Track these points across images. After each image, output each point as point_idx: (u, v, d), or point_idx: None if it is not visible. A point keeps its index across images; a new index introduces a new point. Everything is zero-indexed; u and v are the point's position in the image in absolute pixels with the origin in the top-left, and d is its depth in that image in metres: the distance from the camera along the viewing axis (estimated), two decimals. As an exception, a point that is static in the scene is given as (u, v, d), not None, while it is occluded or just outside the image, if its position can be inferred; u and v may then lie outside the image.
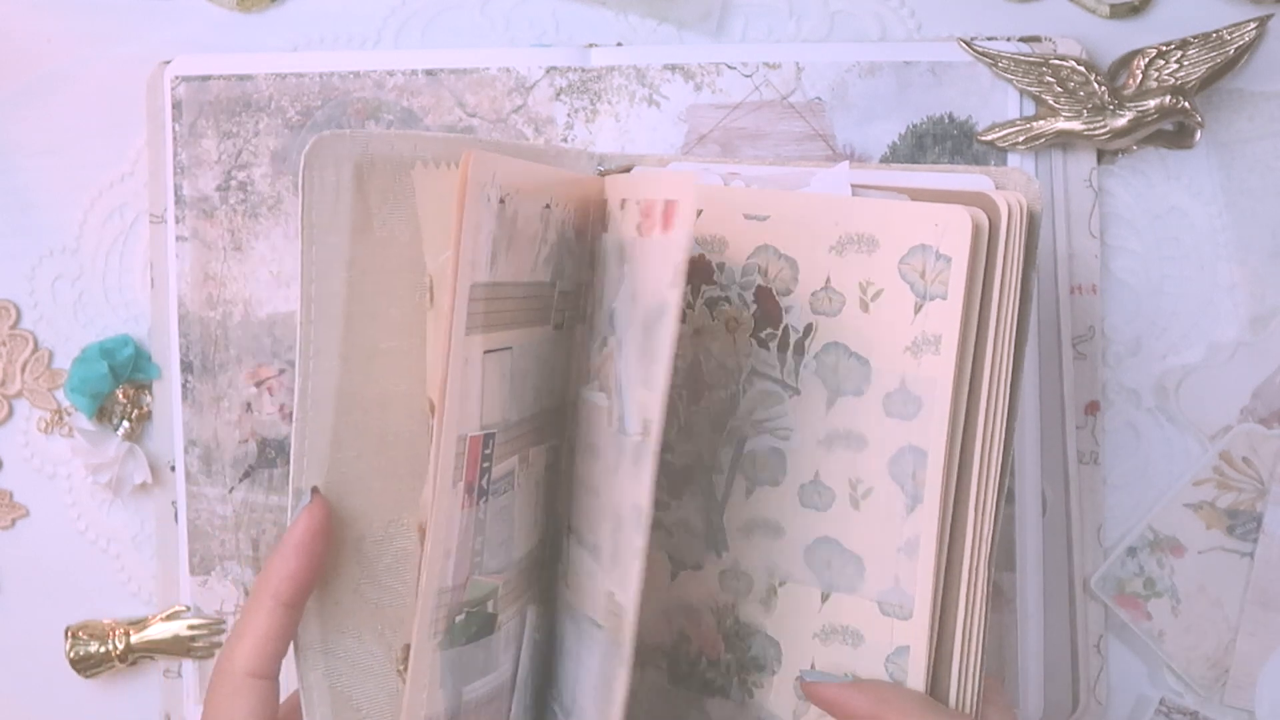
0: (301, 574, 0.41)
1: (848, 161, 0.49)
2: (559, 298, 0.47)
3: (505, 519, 0.43)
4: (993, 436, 0.43)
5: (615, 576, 0.41)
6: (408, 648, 0.41)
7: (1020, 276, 0.42)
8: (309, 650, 0.42)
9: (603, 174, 0.52)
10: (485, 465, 0.42)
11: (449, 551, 0.40)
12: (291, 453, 0.42)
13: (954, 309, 0.42)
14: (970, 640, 0.43)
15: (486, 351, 0.41)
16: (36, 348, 0.61)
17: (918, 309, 0.43)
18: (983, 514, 0.43)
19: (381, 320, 0.42)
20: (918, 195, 0.44)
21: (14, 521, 0.61)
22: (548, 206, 0.44)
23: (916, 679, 0.43)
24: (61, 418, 0.61)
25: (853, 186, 0.47)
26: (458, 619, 0.42)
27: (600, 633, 0.42)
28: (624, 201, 0.43)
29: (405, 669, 0.41)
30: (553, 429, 0.48)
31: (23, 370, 0.61)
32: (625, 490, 0.40)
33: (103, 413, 0.60)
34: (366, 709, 0.42)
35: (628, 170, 0.52)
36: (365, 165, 0.41)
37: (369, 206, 0.41)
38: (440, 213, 0.40)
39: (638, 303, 0.41)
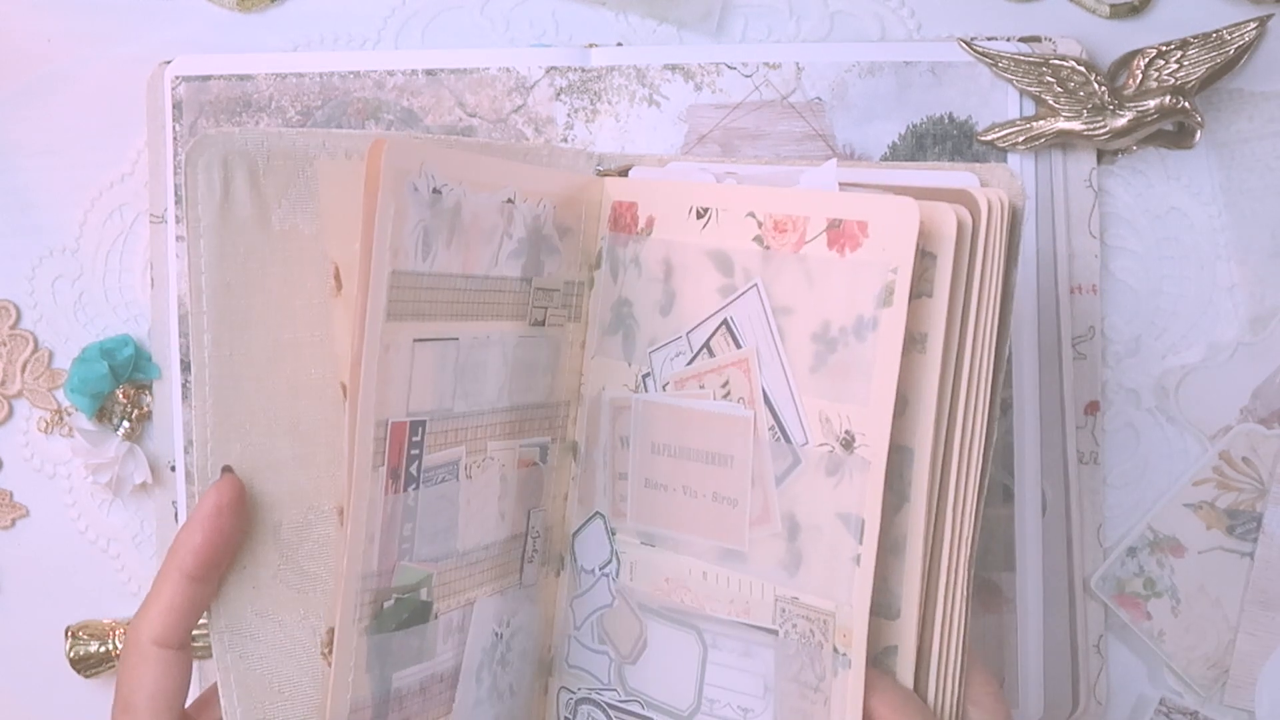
0: (206, 548, 0.41)
1: (835, 159, 0.49)
2: (536, 294, 0.47)
3: (445, 508, 0.44)
4: (973, 435, 0.43)
5: (802, 581, 0.43)
6: (333, 632, 0.42)
7: (1002, 274, 0.42)
8: (225, 633, 0.43)
9: (601, 174, 0.52)
10: (414, 452, 0.43)
11: (372, 535, 0.41)
12: (194, 438, 0.43)
13: (940, 307, 0.42)
14: (949, 641, 0.43)
15: (418, 340, 0.42)
16: (36, 348, 0.61)
17: None
18: (962, 513, 0.43)
19: (286, 311, 0.43)
20: (903, 193, 0.44)
21: (14, 521, 0.61)
22: (509, 201, 0.44)
23: (905, 679, 0.43)
24: (61, 418, 0.61)
25: (840, 184, 0.47)
26: (386, 604, 0.43)
27: (770, 637, 0.44)
28: (709, 210, 0.45)
29: (330, 653, 0.42)
30: (537, 426, 0.48)
31: (23, 370, 0.61)
32: (809, 498, 0.42)
33: (103, 413, 0.60)
34: (289, 692, 0.43)
35: (626, 170, 0.52)
36: (260, 161, 0.42)
37: (266, 201, 0.43)
38: (352, 204, 0.41)
39: (797, 316, 0.43)
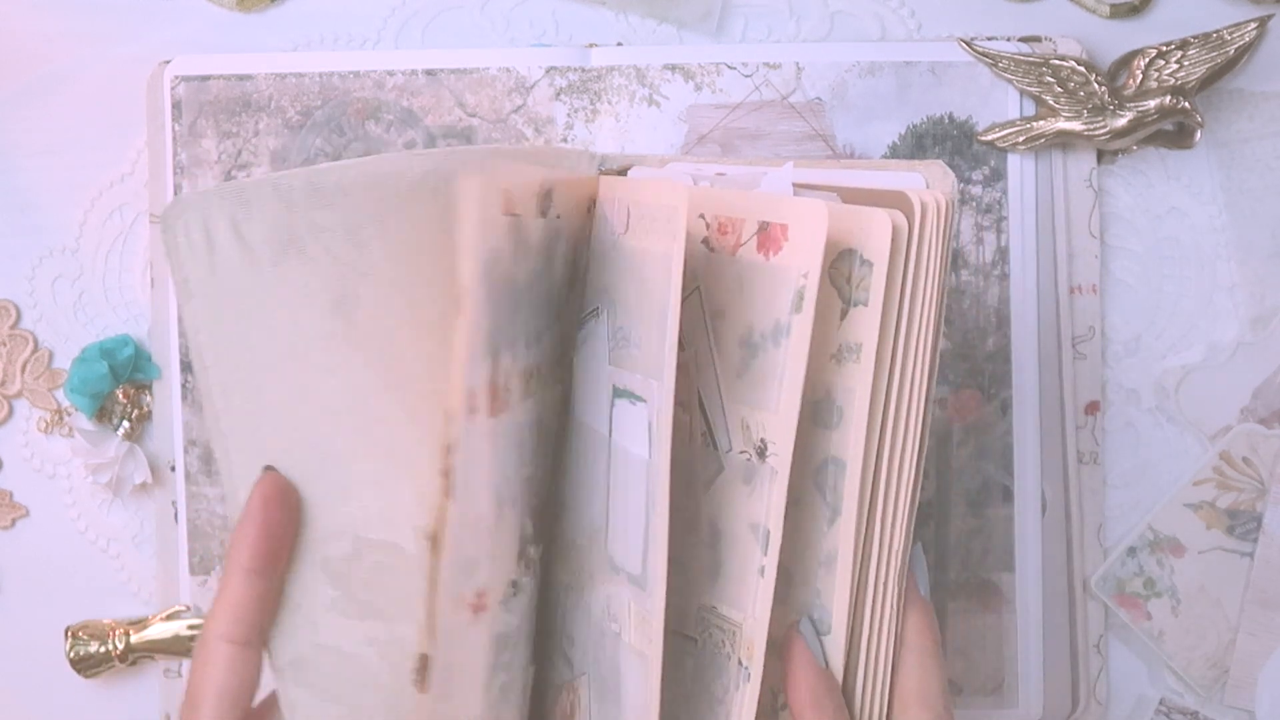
0: (261, 541, 0.42)
1: (792, 161, 0.48)
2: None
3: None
4: (906, 445, 0.42)
5: (719, 591, 0.42)
6: (424, 658, 0.41)
7: (939, 278, 0.41)
8: (287, 669, 0.42)
9: (602, 174, 0.51)
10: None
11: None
12: (224, 492, 0.43)
13: (874, 316, 0.40)
14: (876, 656, 0.42)
15: None
16: (36, 348, 0.61)
17: (843, 315, 0.42)
18: (893, 525, 0.42)
19: (297, 351, 0.42)
20: (850, 196, 0.44)
21: (14, 521, 0.61)
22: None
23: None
24: (61, 418, 0.61)
25: (795, 186, 0.46)
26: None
27: (689, 644, 0.43)
28: (674, 211, 0.42)
29: (422, 678, 0.41)
30: None
31: (23, 370, 0.61)
32: (729, 505, 0.41)
33: (103, 413, 0.60)
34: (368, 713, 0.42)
35: (625, 171, 0.52)
36: (239, 211, 0.41)
37: (253, 248, 0.41)
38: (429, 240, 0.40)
39: (728, 320, 0.41)
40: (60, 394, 0.61)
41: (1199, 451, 0.58)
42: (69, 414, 0.61)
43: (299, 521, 0.43)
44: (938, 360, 0.43)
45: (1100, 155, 0.58)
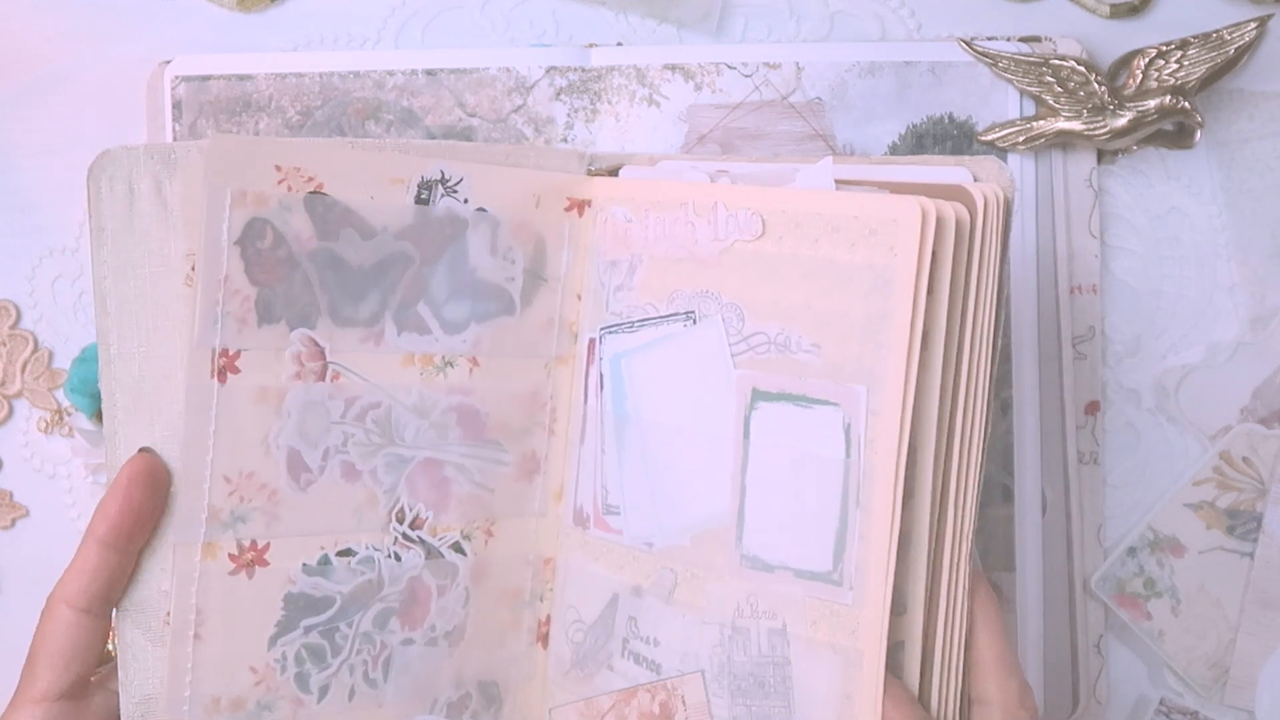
0: (117, 516, 0.45)
1: (830, 156, 0.49)
2: None
3: None
4: (974, 429, 0.44)
5: None
6: (196, 609, 0.47)
7: (998, 268, 0.43)
8: (130, 611, 0.47)
9: (592, 174, 0.52)
10: None
11: None
12: (105, 432, 0.47)
13: (940, 304, 0.42)
14: (953, 636, 0.44)
15: None
16: (36, 348, 0.61)
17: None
18: (964, 507, 0.44)
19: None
20: (898, 189, 0.45)
21: (14, 521, 0.61)
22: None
23: (911, 675, 0.43)
24: (61, 418, 0.61)
25: (836, 182, 0.47)
26: None
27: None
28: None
29: (197, 630, 0.47)
30: None
31: (23, 370, 0.61)
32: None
33: (102, 413, 0.60)
34: None
35: (616, 170, 0.53)
36: (164, 172, 0.47)
37: (170, 207, 0.47)
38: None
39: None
40: (60, 394, 0.61)
41: (1199, 451, 0.58)
42: (69, 414, 0.61)
43: (165, 504, 0.46)
44: (999, 347, 0.45)
45: (1100, 155, 0.58)
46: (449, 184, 0.50)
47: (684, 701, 0.48)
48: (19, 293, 0.61)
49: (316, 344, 0.48)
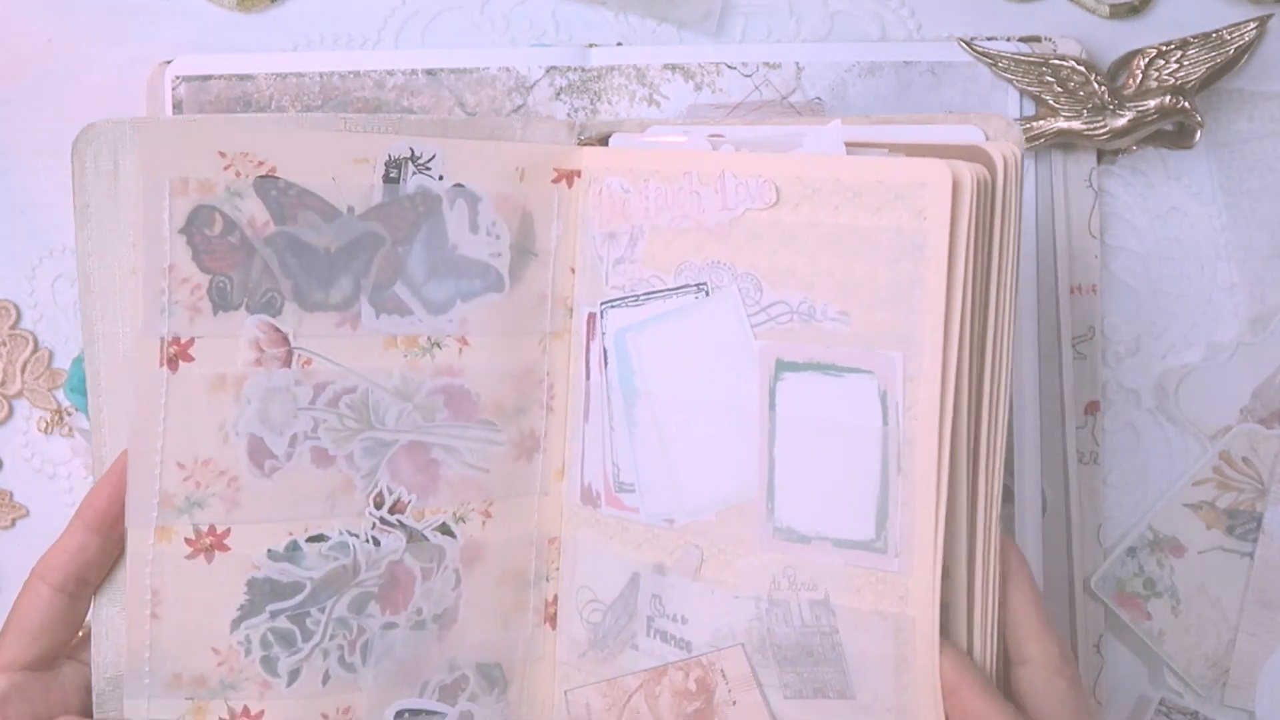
0: (104, 503, 0.46)
1: (839, 119, 0.48)
2: None
3: None
4: (1000, 389, 0.44)
5: None
6: (151, 589, 0.48)
7: (1019, 227, 0.43)
8: (106, 588, 0.48)
9: (583, 143, 0.52)
10: None
11: None
12: (90, 419, 0.48)
13: (967, 266, 0.43)
14: (987, 594, 0.45)
15: None
16: (36, 348, 0.61)
17: None
18: (993, 470, 0.44)
19: None
20: (911, 152, 0.45)
21: (14, 521, 0.61)
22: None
23: (959, 637, 0.44)
24: (61, 418, 0.61)
25: (846, 145, 0.47)
26: None
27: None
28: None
29: (152, 610, 0.48)
30: None
31: (23, 370, 0.61)
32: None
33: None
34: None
35: (606, 139, 0.52)
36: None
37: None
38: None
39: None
40: (60, 394, 0.61)
41: (1199, 451, 0.58)
42: (69, 414, 0.61)
43: None
44: (1018, 307, 0.45)
45: (1100, 155, 0.58)
46: (420, 161, 0.49)
47: (724, 675, 0.48)
48: (19, 293, 0.61)
49: (278, 330, 0.48)
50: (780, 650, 0.46)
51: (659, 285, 0.49)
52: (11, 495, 0.61)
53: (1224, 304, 0.58)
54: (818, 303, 0.45)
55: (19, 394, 0.61)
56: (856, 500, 0.44)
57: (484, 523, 0.51)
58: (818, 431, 0.45)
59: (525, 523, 0.52)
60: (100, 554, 0.47)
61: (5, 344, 0.61)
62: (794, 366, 0.46)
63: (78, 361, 0.60)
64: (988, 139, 0.46)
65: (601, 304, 0.50)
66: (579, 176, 0.51)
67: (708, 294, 0.47)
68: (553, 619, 0.52)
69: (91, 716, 0.47)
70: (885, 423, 0.44)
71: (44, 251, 0.61)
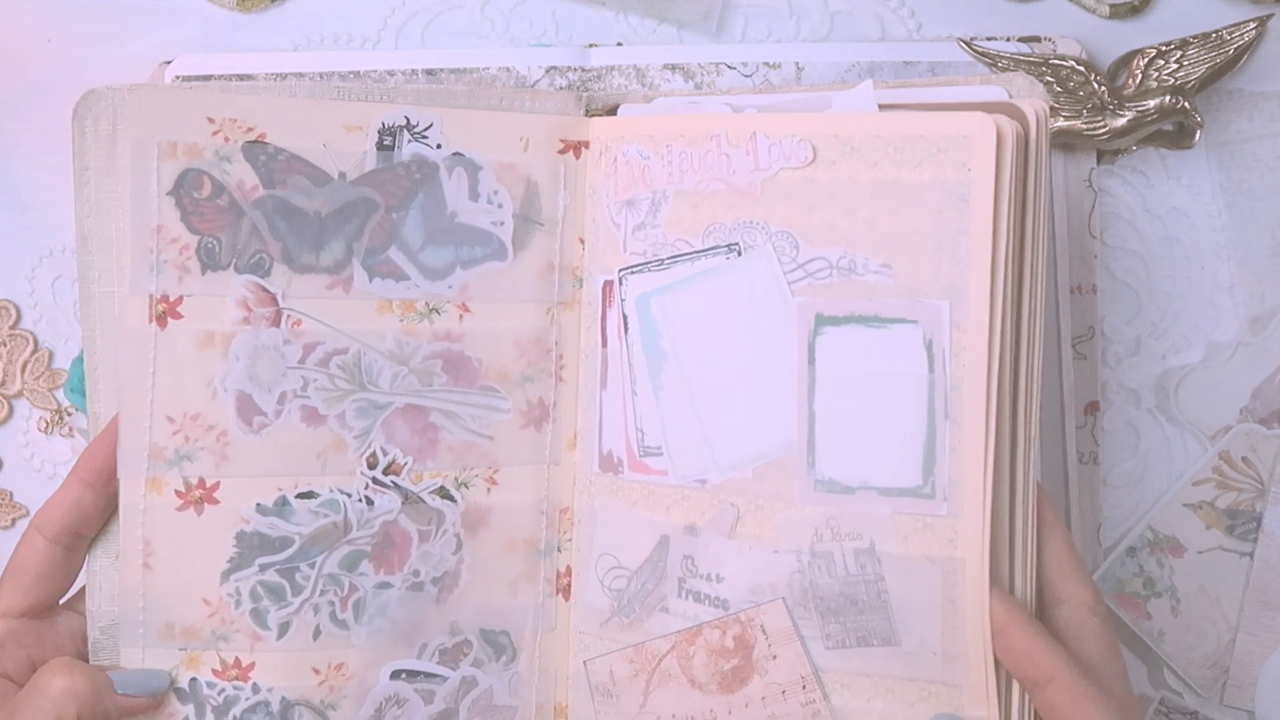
0: (101, 460, 0.48)
1: (870, 80, 0.50)
2: None
3: None
4: (1036, 334, 0.46)
5: None
6: (145, 540, 0.50)
7: (1049, 178, 0.46)
8: (101, 539, 0.49)
9: (590, 114, 0.53)
10: None
11: None
12: (86, 381, 0.49)
13: (1008, 215, 0.45)
14: (1028, 541, 0.46)
15: None
16: (36, 348, 0.61)
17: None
18: (1030, 411, 0.46)
19: None
20: (942, 110, 0.47)
21: (14, 521, 0.61)
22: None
23: (1003, 578, 0.45)
24: (61, 418, 0.61)
25: (879, 106, 0.48)
26: None
27: None
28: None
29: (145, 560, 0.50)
30: None
31: (23, 370, 0.61)
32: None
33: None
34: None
35: (614, 109, 0.54)
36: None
37: None
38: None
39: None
40: (60, 394, 0.61)
41: (1199, 451, 0.58)
42: (69, 414, 0.61)
43: None
44: (1053, 255, 0.48)
45: (1100, 155, 0.58)
46: (416, 129, 0.51)
47: (764, 630, 0.48)
48: (19, 293, 0.61)
49: (266, 290, 0.49)
50: (823, 602, 0.47)
51: (685, 248, 0.49)
52: (11, 495, 0.61)
53: (1224, 304, 0.58)
54: (858, 257, 0.47)
55: (19, 394, 0.61)
56: (902, 448, 0.46)
57: (489, 489, 0.52)
58: (860, 383, 0.46)
59: (534, 491, 0.52)
60: (95, 509, 0.48)
61: (5, 344, 0.61)
62: (834, 320, 0.47)
63: (78, 361, 0.60)
64: (1011, 98, 0.48)
65: (620, 271, 0.51)
66: (587, 147, 0.52)
67: (739, 254, 0.49)
68: (566, 590, 0.52)
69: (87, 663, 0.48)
70: (931, 370, 0.45)
71: (44, 251, 0.61)
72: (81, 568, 0.49)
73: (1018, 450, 0.46)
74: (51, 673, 0.45)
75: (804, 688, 0.48)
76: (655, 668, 0.50)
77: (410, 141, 0.50)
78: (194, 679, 0.50)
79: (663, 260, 0.50)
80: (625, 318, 0.51)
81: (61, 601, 0.49)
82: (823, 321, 0.47)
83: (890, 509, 0.46)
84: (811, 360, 0.47)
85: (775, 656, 0.48)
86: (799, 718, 0.48)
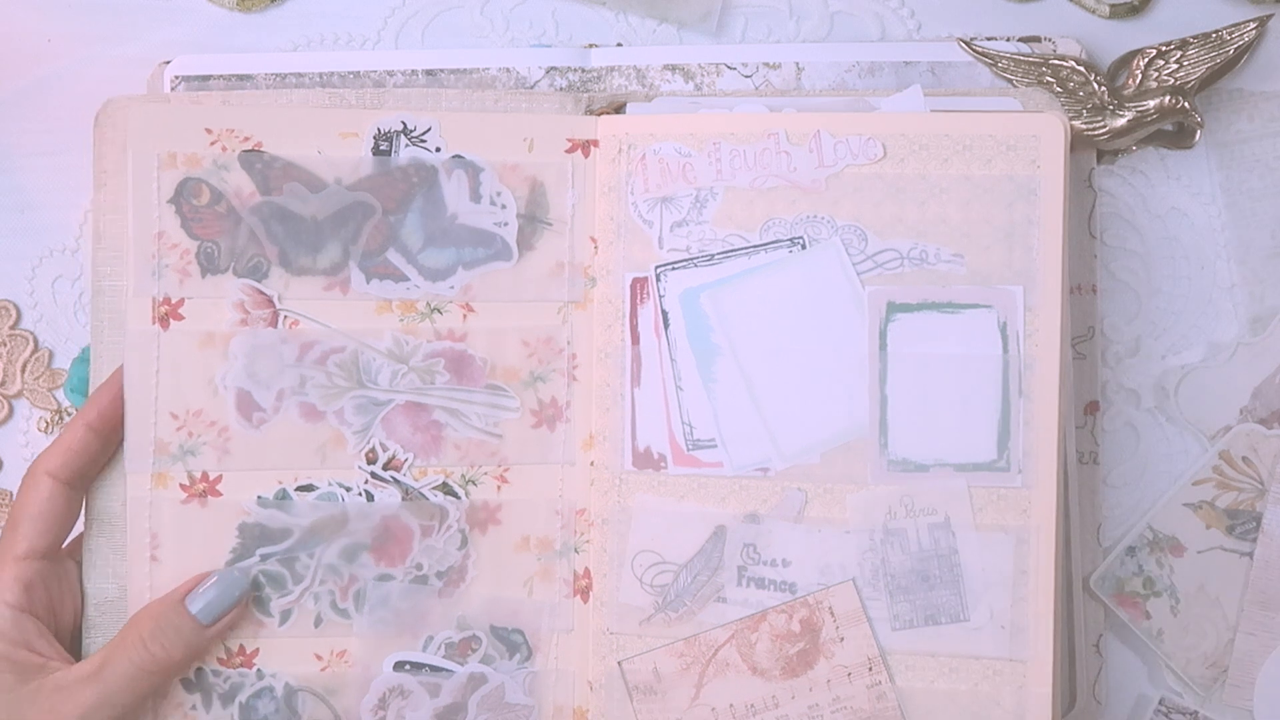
0: (108, 406, 0.51)
1: (918, 85, 0.53)
2: None
3: None
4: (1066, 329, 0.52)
5: None
6: (150, 532, 0.52)
7: (1069, 182, 0.51)
8: (94, 521, 0.52)
9: (595, 113, 0.54)
10: None
11: None
12: (91, 368, 0.52)
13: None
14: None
15: None
16: (36, 348, 0.61)
17: None
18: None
19: None
20: (975, 121, 0.51)
21: (14, 521, 0.61)
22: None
23: (1061, 545, 0.51)
24: (61, 418, 0.61)
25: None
26: None
27: None
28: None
29: (152, 553, 0.53)
30: None
31: (23, 370, 0.61)
32: None
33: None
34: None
35: (620, 107, 0.54)
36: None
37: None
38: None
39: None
40: (60, 394, 0.61)
41: (1199, 451, 0.58)
42: (69, 414, 0.61)
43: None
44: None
45: (1100, 155, 0.58)
46: (413, 134, 0.52)
47: (832, 613, 0.50)
48: (19, 293, 0.61)
49: (262, 292, 0.52)
50: (894, 580, 0.49)
51: (740, 243, 0.52)
52: (12, 495, 0.61)
53: (1224, 304, 0.58)
54: (929, 247, 0.50)
55: (19, 394, 0.61)
56: (977, 425, 0.49)
57: (500, 487, 0.53)
58: (933, 366, 0.50)
59: (548, 491, 0.53)
60: (99, 453, 0.51)
61: (5, 344, 0.61)
62: (907, 308, 0.50)
63: (77, 361, 0.60)
64: (1024, 109, 0.53)
65: (657, 268, 0.51)
66: (596, 146, 0.53)
67: (804, 247, 0.51)
68: (585, 592, 0.53)
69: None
70: (1006, 351, 0.50)
71: (44, 251, 0.61)
72: (80, 511, 0.52)
73: (1069, 419, 0.51)
74: (140, 621, 0.49)
75: (870, 669, 0.49)
76: (711, 658, 0.51)
77: (407, 146, 0.51)
78: (200, 668, 0.51)
79: (712, 255, 0.52)
80: (665, 313, 0.52)
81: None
82: (895, 309, 0.50)
83: (966, 483, 0.49)
84: (883, 346, 0.50)
85: (842, 639, 0.50)
86: (864, 700, 0.49)
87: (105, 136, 0.52)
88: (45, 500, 0.50)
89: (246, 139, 0.52)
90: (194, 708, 0.51)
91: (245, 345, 0.51)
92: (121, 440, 0.52)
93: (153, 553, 0.51)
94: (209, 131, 0.51)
